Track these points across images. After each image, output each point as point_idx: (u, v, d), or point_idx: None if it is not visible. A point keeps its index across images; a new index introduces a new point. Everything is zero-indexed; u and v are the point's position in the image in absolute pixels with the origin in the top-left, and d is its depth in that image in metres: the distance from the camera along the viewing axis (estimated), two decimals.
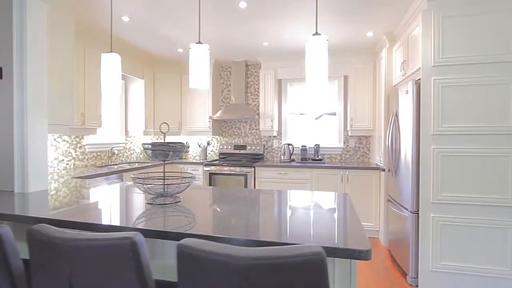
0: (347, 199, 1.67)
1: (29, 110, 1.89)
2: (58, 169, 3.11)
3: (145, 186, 1.52)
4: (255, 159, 4.38)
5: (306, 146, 4.09)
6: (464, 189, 2.18)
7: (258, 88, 4.49)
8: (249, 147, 4.47)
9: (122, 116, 4.14)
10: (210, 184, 4.02)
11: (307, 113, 4.37)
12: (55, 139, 3.09)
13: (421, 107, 2.30)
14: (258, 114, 4.26)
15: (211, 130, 4.39)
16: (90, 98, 3.13)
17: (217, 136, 4.75)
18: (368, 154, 4.15)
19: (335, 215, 1.31)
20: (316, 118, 4.34)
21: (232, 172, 3.94)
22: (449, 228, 2.23)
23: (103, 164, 3.68)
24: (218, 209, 1.44)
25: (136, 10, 2.70)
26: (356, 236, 0.99)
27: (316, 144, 4.09)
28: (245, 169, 3.89)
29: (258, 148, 4.43)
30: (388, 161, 2.98)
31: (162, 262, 1.36)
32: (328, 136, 4.32)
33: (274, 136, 4.50)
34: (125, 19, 2.87)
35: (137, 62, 3.98)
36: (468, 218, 2.17)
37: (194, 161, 4.25)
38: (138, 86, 4.12)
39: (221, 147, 4.58)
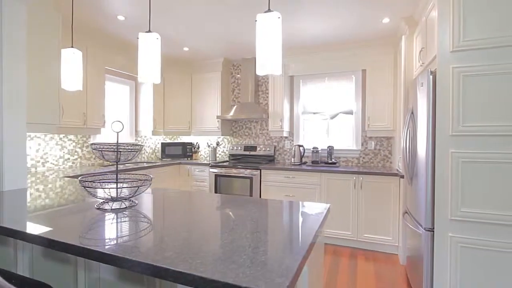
0: (318, 211, 1.37)
1: (5, 109, 1.89)
2: (64, 168, 3.19)
3: (89, 190, 1.40)
4: (266, 161, 4.14)
5: (317, 148, 3.76)
6: (491, 204, 1.74)
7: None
8: (259, 148, 4.25)
9: (132, 117, 4.18)
10: (215, 187, 3.87)
11: (321, 112, 4.02)
12: (61, 138, 3.17)
13: (436, 102, 1.90)
14: (267, 113, 4.02)
15: (220, 130, 4.26)
16: (92, 98, 3.17)
17: (228, 137, 4.60)
18: (389, 157, 3.68)
19: (275, 237, 1.05)
20: (332, 118, 3.97)
21: (237, 175, 3.75)
22: (470, 252, 1.79)
23: (110, 164, 3.73)
24: (165, 218, 1.26)
25: (131, 9, 2.65)
26: (271, 270, 0.74)
27: (330, 146, 3.73)
28: (250, 172, 3.67)
29: (268, 149, 4.19)
30: (405, 167, 2.56)
31: None
32: (345, 137, 3.92)
33: (286, 137, 4.22)
34: (121, 18, 2.84)
35: None
36: (495, 241, 1.72)
37: (200, 162, 4.14)
38: (148, 87, 4.13)
39: (231, 148, 4.42)
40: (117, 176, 1.52)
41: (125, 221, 1.18)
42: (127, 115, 4.13)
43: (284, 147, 4.24)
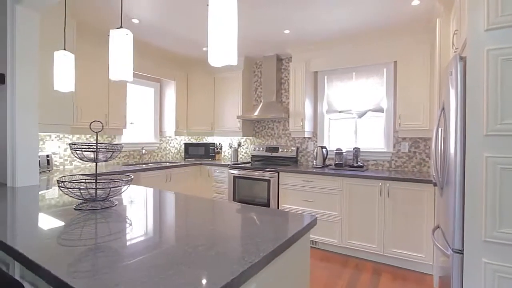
0: (297, 221, 1.16)
1: (17, 112, 2.02)
2: (90, 166, 3.39)
3: (65, 190, 1.39)
4: (288, 163, 3.93)
5: (341, 150, 3.43)
6: None
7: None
8: (281, 150, 4.05)
9: (157, 118, 4.31)
10: (234, 189, 3.79)
11: (347, 110, 3.68)
12: (87, 138, 3.38)
13: (467, 94, 1.53)
14: (288, 112, 3.81)
15: (241, 130, 4.16)
16: (113, 100, 3.31)
17: (250, 137, 4.49)
18: (427, 162, 3.20)
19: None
20: (359, 116, 3.60)
21: (255, 177, 3.61)
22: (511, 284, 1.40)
23: (135, 163, 3.88)
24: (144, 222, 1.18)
25: (145, 12, 2.68)
26: None
27: (355, 148, 3.38)
28: (268, 174, 3.50)
29: (290, 151, 3.97)
30: (436, 173, 2.16)
31: None
32: (374, 138, 3.53)
33: (309, 138, 3.96)
34: (135, 21, 2.91)
35: (168, 64, 4.08)
36: None
37: (223, 163, 4.08)
38: (172, 88, 4.22)
39: (253, 148, 4.30)
40: (96, 176, 1.50)
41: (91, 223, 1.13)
42: (152, 116, 4.26)
43: (307, 149, 3.98)
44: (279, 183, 3.46)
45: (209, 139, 4.97)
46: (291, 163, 3.95)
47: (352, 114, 3.65)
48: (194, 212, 1.36)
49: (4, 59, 2.00)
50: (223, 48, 0.99)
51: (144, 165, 3.77)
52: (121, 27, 1.36)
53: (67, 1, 2.39)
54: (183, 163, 3.91)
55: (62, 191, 1.37)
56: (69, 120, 2.41)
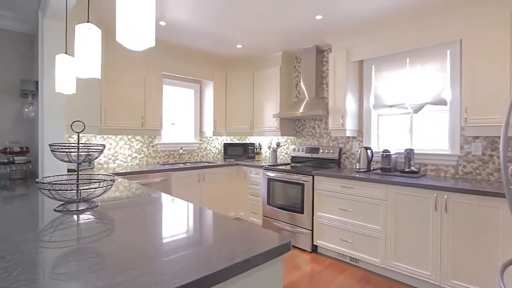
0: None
1: (45, 116, 2.21)
2: (131, 165, 3.61)
3: (43, 192, 1.40)
4: (329, 166, 3.52)
5: (389, 152, 2.87)
6: None
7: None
8: (322, 151, 3.65)
9: (197, 118, 4.38)
10: (268, 192, 3.56)
11: (400, 104, 3.07)
12: (129, 139, 3.61)
13: None
14: (327, 109, 3.39)
15: (279, 130, 3.91)
16: (150, 102, 3.45)
17: (291, 137, 4.19)
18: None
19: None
20: (415, 111, 2.97)
21: (289, 180, 3.32)
22: None
23: (174, 162, 4.01)
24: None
25: (172, 14, 2.69)
26: None
27: (408, 150, 2.79)
28: (302, 177, 3.18)
29: (332, 152, 3.54)
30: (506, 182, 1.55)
31: None
32: (435, 137, 2.86)
33: (353, 137, 3.46)
34: (162, 23, 2.95)
35: (207, 65, 4.09)
36: None
37: (263, 164, 3.90)
38: (211, 88, 4.23)
39: (293, 149, 3.99)
40: (78, 177, 1.49)
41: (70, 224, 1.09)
42: (192, 117, 4.35)
43: (351, 150, 3.49)
44: (314, 188, 3.09)
45: (251, 139, 4.85)
46: (333, 165, 3.52)
47: (406, 109, 3.03)
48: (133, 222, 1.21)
49: (37, 68, 2.21)
50: (134, 26, 0.80)
51: (181, 165, 3.85)
52: (87, 21, 1.30)
53: (92, 9, 2.55)
54: (218, 164, 3.86)
55: (43, 193, 1.38)
56: (97, 122, 2.57)
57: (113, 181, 1.58)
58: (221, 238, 1.00)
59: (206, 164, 3.84)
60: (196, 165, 3.62)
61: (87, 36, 1.26)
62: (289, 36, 3.33)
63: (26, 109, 2.50)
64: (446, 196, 2.19)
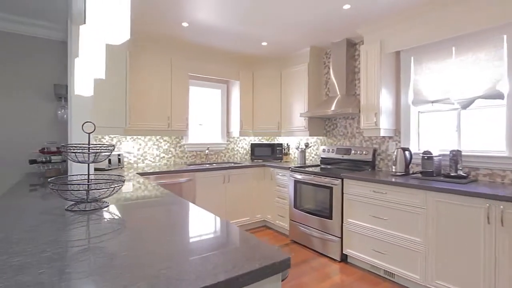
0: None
1: (73, 118, 2.30)
2: (159, 164, 3.69)
3: (57, 191, 1.41)
4: (362, 168, 3.25)
5: (430, 153, 2.53)
6: None
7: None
8: (354, 152, 3.38)
9: (224, 119, 4.34)
10: (295, 195, 3.39)
11: (444, 99, 2.70)
12: (157, 139, 3.69)
13: None
14: (359, 107, 3.12)
15: (307, 129, 3.71)
16: (176, 103, 3.48)
17: (321, 137, 3.96)
18: None
19: None
20: (464, 107, 2.59)
21: (317, 183, 3.11)
22: None
23: (200, 162, 4.01)
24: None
25: (195, 14, 2.67)
26: None
27: (454, 151, 2.44)
28: (331, 180, 2.95)
29: (365, 153, 3.25)
30: None
31: None
32: (490, 137, 2.46)
33: (390, 137, 3.14)
34: (185, 24, 2.94)
35: (232, 64, 4.04)
36: None
37: (292, 165, 3.73)
38: (237, 88, 4.17)
39: (322, 150, 3.76)
40: (88, 177, 1.48)
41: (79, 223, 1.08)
42: (219, 117, 4.32)
43: (387, 151, 3.17)
44: (343, 192, 2.85)
45: (279, 140, 4.70)
46: (367, 168, 3.23)
47: (452, 105, 2.65)
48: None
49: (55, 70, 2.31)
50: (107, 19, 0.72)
51: (207, 165, 3.84)
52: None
53: None
54: (243, 164, 3.78)
55: (55, 193, 1.39)
56: (122, 123, 2.64)
57: (123, 181, 1.56)
58: (212, 248, 0.89)
59: (231, 164, 3.78)
60: (221, 166, 3.58)
61: (90, 36, 1.23)
62: (316, 29, 3.12)
63: (59, 112, 2.65)
64: (502, 207, 1.84)
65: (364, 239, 2.66)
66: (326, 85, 3.87)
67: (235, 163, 4.08)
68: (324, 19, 2.85)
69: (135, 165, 3.51)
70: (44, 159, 2.72)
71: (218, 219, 1.25)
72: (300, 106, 3.82)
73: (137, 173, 2.90)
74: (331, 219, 2.94)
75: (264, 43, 3.56)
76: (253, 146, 4.29)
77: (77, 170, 2.32)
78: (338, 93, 3.44)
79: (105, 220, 1.21)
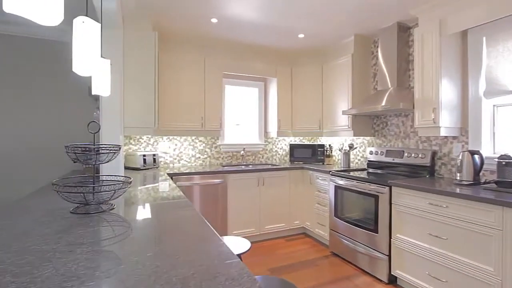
0: None
1: (103, 118, 2.35)
2: (195, 165, 3.67)
3: (60, 194, 1.37)
4: (418, 174, 2.75)
5: (510, 158, 1.97)
6: None
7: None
8: (407, 155, 2.88)
9: (261, 118, 4.15)
10: (336, 202, 3.03)
11: None
12: (192, 140, 3.68)
13: None
14: (413, 101, 2.63)
15: (351, 129, 3.31)
16: (210, 103, 3.41)
17: (368, 138, 3.50)
18: None
19: None
20: None
21: (360, 190, 2.72)
22: None
23: (237, 163, 3.89)
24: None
25: (223, 10, 2.54)
26: None
27: None
28: (377, 188, 2.54)
29: (421, 156, 2.74)
30: None
31: None
32: None
33: (454, 138, 2.58)
34: (214, 20, 2.83)
35: (269, 61, 3.83)
36: None
37: (335, 168, 3.37)
38: (274, 85, 3.95)
39: (370, 152, 3.32)
40: (94, 179, 1.43)
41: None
42: (257, 117, 4.15)
43: (450, 154, 2.62)
44: (391, 201, 2.42)
45: (322, 140, 4.33)
46: (424, 174, 2.71)
47: None
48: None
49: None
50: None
51: (243, 166, 3.70)
52: (86, 15, 1.20)
53: (148, 14, 2.61)
54: (280, 167, 3.53)
55: (60, 195, 1.36)
56: (151, 124, 2.63)
57: (129, 183, 1.47)
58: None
59: (268, 166, 3.57)
60: (255, 168, 3.39)
61: (83, 30, 1.16)
62: (361, 15, 2.73)
63: (95, 113, 2.77)
64: None
65: (417, 261, 2.20)
66: (374, 78, 3.41)
67: (272, 164, 3.86)
68: (370, 1, 2.45)
69: (171, 165, 3.55)
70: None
71: (211, 231, 1.05)
72: (344, 103, 3.42)
73: (167, 174, 2.89)
74: (377, 232, 2.52)
75: (301, 35, 3.27)
76: (292, 147, 4.02)
77: (107, 170, 2.36)
78: (389, 85, 2.97)
79: (104, 224, 1.12)
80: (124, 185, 1.45)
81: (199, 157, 3.71)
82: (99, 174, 2.51)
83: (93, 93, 1.74)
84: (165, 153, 3.52)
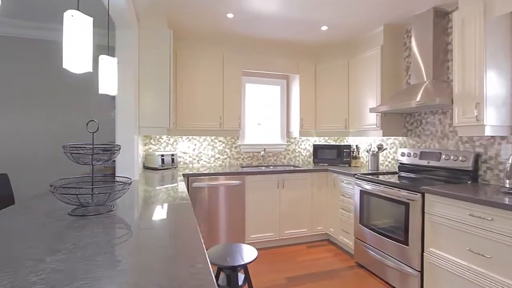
0: None
1: (118, 117, 2.35)
2: (214, 165, 3.61)
3: (58, 195, 1.35)
4: (458, 179, 2.41)
5: None
6: None
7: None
8: (445, 157, 2.55)
9: (284, 117, 3.98)
10: (361, 208, 2.78)
11: None
12: (212, 140, 3.62)
13: None
14: (452, 96, 2.29)
15: (379, 128, 3.02)
16: (228, 101, 3.32)
17: (400, 138, 3.18)
18: None
19: None
20: None
21: (388, 196, 2.46)
22: None
23: (258, 164, 3.76)
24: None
25: (240, 3, 2.44)
26: None
27: None
28: (407, 194, 2.27)
29: (462, 159, 2.40)
30: None
31: None
32: None
33: (503, 138, 2.21)
34: (230, 15, 2.73)
35: (291, 56, 3.65)
36: None
37: (355, 171, 3.11)
38: (297, 83, 3.76)
39: (401, 154, 3.00)
40: (92, 179, 1.38)
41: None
42: (279, 116, 3.99)
43: (498, 157, 2.25)
44: (424, 210, 2.13)
45: (349, 140, 4.05)
46: (466, 179, 2.37)
47: None
48: None
49: None
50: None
51: (263, 168, 3.57)
52: (77, 9, 1.14)
53: (162, 11, 2.58)
54: (301, 169, 3.34)
55: (56, 197, 1.33)
56: (165, 123, 2.60)
57: (129, 184, 1.42)
58: None
59: (289, 168, 3.40)
60: (274, 169, 3.24)
61: (72, 24, 1.11)
62: (392, 0, 2.45)
63: (112, 113, 2.81)
64: None
65: (454, 280, 1.91)
66: (406, 72, 3.08)
67: (294, 166, 3.68)
68: None
69: (190, 165, 3.52)
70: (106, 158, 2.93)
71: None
72: (372, 100, 3.14)
73: (183, 174, 2.85)
74: (407, 245, 2.24)
75: (324, 28, 3.05)
76: (316, 148, 3.79)
77: (122, 170, 2.37)
78: (425, 78, 2.65)
79: (99, 226, 1.06)
80: (124, 187, 1.39)
81: (219, 158, 3.65)
82: (113, 174, 2.54)
83: (99, 92, 1.72)
84: (185, 153, 3.51)
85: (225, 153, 3.67)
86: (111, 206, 1.44)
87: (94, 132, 1.36)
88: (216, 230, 2.97)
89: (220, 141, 3.65)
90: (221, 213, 2.99)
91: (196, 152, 3.55)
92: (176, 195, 1.77)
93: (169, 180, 2.41)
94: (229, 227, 3.02)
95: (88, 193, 1.31)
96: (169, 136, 3.43)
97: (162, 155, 3.09)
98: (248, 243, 3.13)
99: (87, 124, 1.41)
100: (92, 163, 1.41)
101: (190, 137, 3.51)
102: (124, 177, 1.45)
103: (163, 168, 3.09)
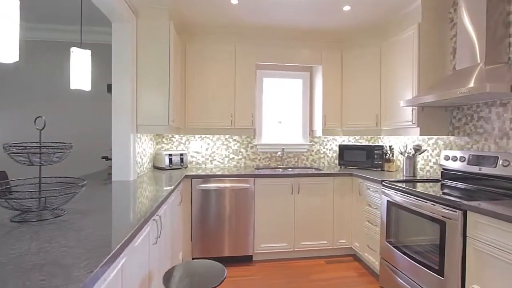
0: None
1: (114, 116, 2.26)
2: (228, 166, 3.39)
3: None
4: None
5: None
6: None
7: None
8: (503, 162, 1.94)
9: (306, 114, 3.58)
10: (387, 222, 2.29)
11: None
12: (226, 139, 3.41)
13: None
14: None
15: (416, 125, 2.48)
16: (240, 98, 3.07)
17: (443, 137, 2.58)
18: None
19: None
20: None
21: (419, 210, 1.95)
22: None
23: (276, 166, 3.44)
24: None
25: None
26: None
27: None
28: (443, 211, 1.76)
29: None
30: None
31: None
32: None
33: None
34: (234, 1, 2.46)
35: (312, 45, 3.23)
36: None
37: (388, 176, 2.61)
38: (320, 75, 3.33)
39: (445, 157, 2.42)
40: (40, 182, 1.25)
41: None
42: (300, 113, 3.60)
43: None
44: (466, 233, 1.61)
45: (385, 140, 3.48)
46: None
47: None
48: None
49: (110, 71, 2.31)
50: None
51: (280, 170, 3.25)
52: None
53: (162, 3, 2.42)
54: (321, 172, 2.93)
55: None
56: (164, 121, 2.44)
57: (83, 186, 1.26)
58: None
59: (310, 171, 3.02)
60: (286, 173, 2.89)
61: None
62: None
63: None
64: None
65: None
66: (452, 54, 2.47)
67: (316, 169, 3.27)
68: None
69: (203, 165, 3.36)
70: (109, 156, 2.92)
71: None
72: (408, 91, 2.60)
73: (186, 175, 2.68)
74: (442, 276, 1.74)
75: (347, 8, 2.60)
76: (342, 148, 3.33)
77: (117, 170, 2.28)
78: (478, 60, 2.05)
79: (43, 234, 0.90)
80: (73, 189, 1.24)
81: (233, 158, 3.42)
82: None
83: (71, 87, 1.60)
84: (197, 152, 3.35)
85: (240, 153, 3.43)
86: (62, 211, 1.30)
87: (41, 129, 1.22)
88: (220, 237, 2.74)
89: (234, 140, 3.42)
90: (226, 219, 2.75)
91: (209, 152, 3.38)
92: (147, 202, 1.58)
93: (168, 181, 2.24)
94: (235, 234, 2.76)
95: (25, 197, 1.17)
96: (181, 135, 3.31)
97: (170, 155, 2.96)
98: (258, 253, 2.84)
99: (34, 121, 1.28)
100: (40, 163, 1.27)
101: (203, 136, 3.35)
102: (75, 178, 1.29)
103: (171, 168, 2.97)
